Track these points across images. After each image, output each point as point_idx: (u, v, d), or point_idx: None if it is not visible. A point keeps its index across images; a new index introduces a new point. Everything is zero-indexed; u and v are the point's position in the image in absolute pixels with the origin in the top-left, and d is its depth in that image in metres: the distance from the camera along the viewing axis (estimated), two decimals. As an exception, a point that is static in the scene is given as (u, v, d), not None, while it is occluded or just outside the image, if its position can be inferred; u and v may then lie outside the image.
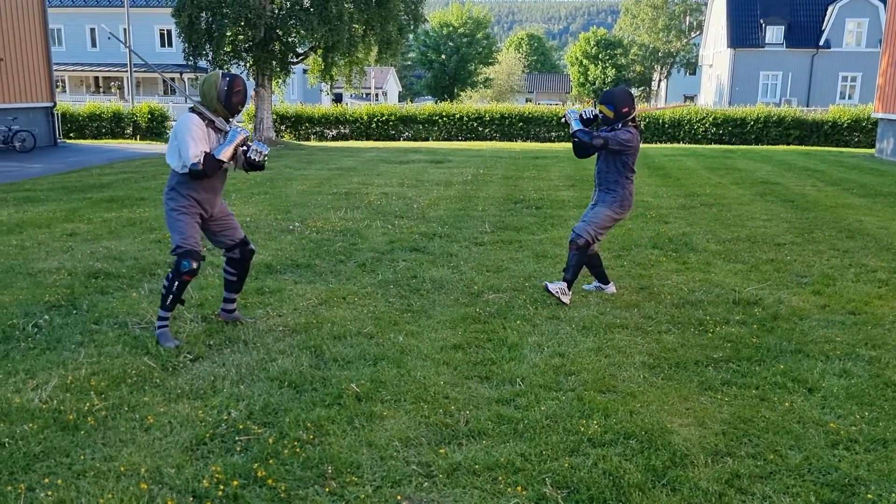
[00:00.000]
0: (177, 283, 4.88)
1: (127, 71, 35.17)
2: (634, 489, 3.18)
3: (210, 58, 22.56)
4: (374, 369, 4.47)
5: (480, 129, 28.09)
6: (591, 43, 64.54)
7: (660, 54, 62.96)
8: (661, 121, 27.71)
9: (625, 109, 5.78)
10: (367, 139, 27.68)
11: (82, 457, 3.40)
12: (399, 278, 6.64)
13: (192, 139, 4.73)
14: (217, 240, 5.24)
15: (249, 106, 26.80)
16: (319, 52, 23.59)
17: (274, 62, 23.59)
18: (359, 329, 5.22)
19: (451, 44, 61.83)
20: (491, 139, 27.79)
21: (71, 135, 26.07)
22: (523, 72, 71.59)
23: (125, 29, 35.41)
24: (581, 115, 6.03)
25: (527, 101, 63.05)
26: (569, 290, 5.96)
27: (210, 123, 4.87)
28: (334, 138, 27.95)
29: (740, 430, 3.75)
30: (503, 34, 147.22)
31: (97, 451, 3.45)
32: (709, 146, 25.93)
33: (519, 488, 3.18)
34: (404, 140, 27.69)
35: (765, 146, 26.19)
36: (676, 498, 3.13)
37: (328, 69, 24.17)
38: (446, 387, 4.24)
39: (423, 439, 3.62)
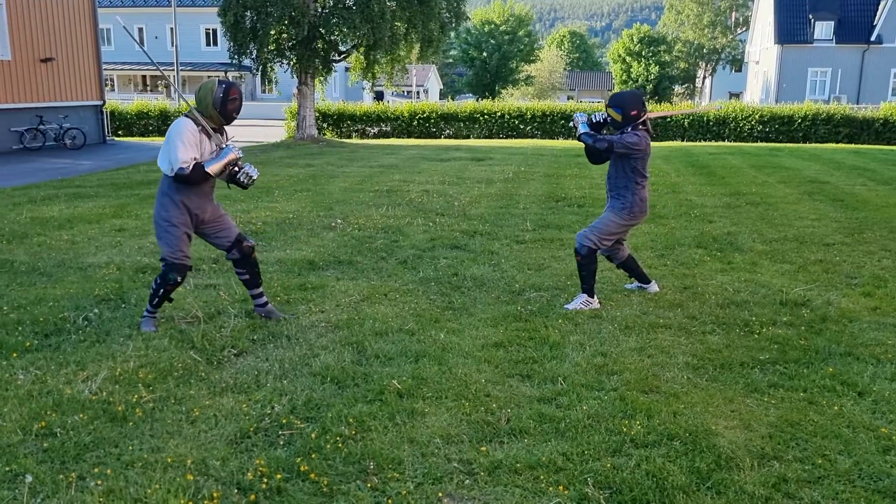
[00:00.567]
0: (162, 290, 5.08)
1: (173, 69, 35.79)
2: (678, 491, 3.14)
3: (254, 56, 22.84)
4: (416, 366, 4.48)
5: (521, 126, 27.96)
6: (634, 40, 63.78)
7: (704, 51, 61.99)
8: (705, 118, 27.30)
9: (633, 112, 5.60)
10: (409, 137, 27.76)
11: (130, 447, 3.47)
12: (440, 276, 6.65)
13: (184, 143, 4.82)
14: (214, 242, 5.33)
15: (293, 104, 27.08)
16: (362, 49, 23.72)
17: (317, 60, 23.78)
18: (400, 326, 5.24)
19: (492, 41, 61.69)
20: (532, 137, 27.65)
21: (119, 132, 26.63)
22: (565, 69, 71.16)
23: (172, 29, 36.03)
24: (590, 119, 5.87)
25: (568, 98, 62.70)
26: (592, 296, 5.82)
27: (203, 130, 4.94)
28: (376, 136, 28.09)
29: (787, 433, 3.68)
30: (545, 31, 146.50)
31: (145, 443, 3.52)
32: (755, 144, 25.46)
33: (561, 488, 3.17)
34: (445, 138, 27.70)
35: (813, 144, 25.61)
36: (721, 501, 3.09)
37: (370, 67, 24.30)
38: (487, 385, 4.23)
39: (464, 437, 3.62)
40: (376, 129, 28.23)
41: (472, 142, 25.92)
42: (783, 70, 44.37)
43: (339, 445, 3.49)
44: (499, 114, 28.04)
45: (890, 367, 4.54)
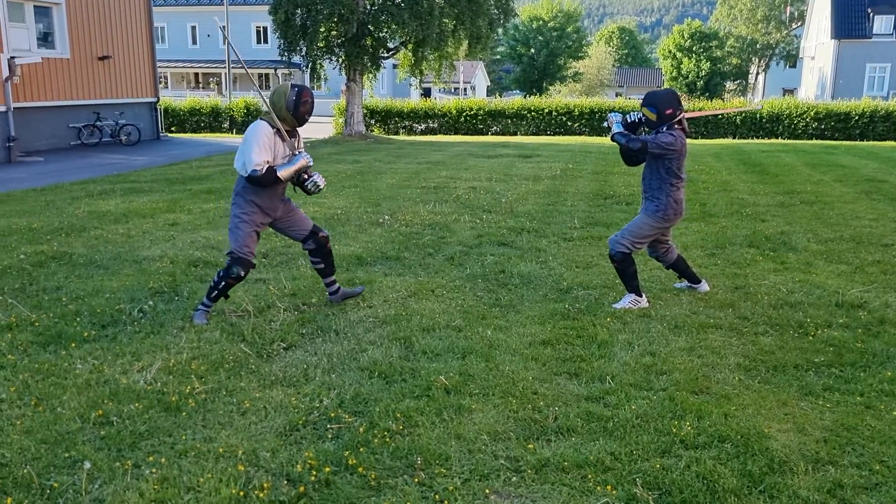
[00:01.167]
0: (223, 283, 5.20)
1: (225, 67, 36.38)
2: (730, 494, 3.09)
3: (304, 53, 23.09)
4: (463, 362, 4.49)
5: (569, 123, 27.75)
6: (685, 35, 62.80)
7: (758, 46, 60.72)
8: (758, 115, 26.75)
9: (668, 111, 5.45)
10: (456, 133, 27.77)
11: (184, 437, 3.54)
12: (487, 272, 6.65)
13: (259, 146, 4.98)
14: (290, 235, 5.52)
15: (341, 100, 27.31)
16: (410, 46, 23.80)
17: (365, 57, 23.94)
18: (447, 322, 5.25)
19: (540, 38, 61.33)
20: (580, 134, 27.42)
21: (172, 129, 27.18)
22: (613, 66, 70.35)
23: (224, 27, 36.65)
24: (625, 118, 5.74)
25: (617, 95, 61.99)
26: (640, 295, 5.73)
27: (277, 132, 5.10)
28: (423, 132, 28.17)
29: (843, 438, 3.59)
30: (593, 28, 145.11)
31: (197, 433, 3.60)
32: (809, 142, 24.86)
33: (609, 487, 3.14)
34: (492, 134, 27.64)
35: (870, 142, 24.90)
36: (774, 505, 3.03)
37: (418, 64, 24.36)
38: (535, 382, 4.22)
39: (511, 434, 3.61)
40: (423, 126, 28.31)
41: (519, 139, 25.82)
42: (840, 66, 43.20)
43: (387, 440, 3.51)
44: (546, 110, 27.87)
45: (952, 372, 4.40)
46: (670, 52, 64.06)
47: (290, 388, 4.13)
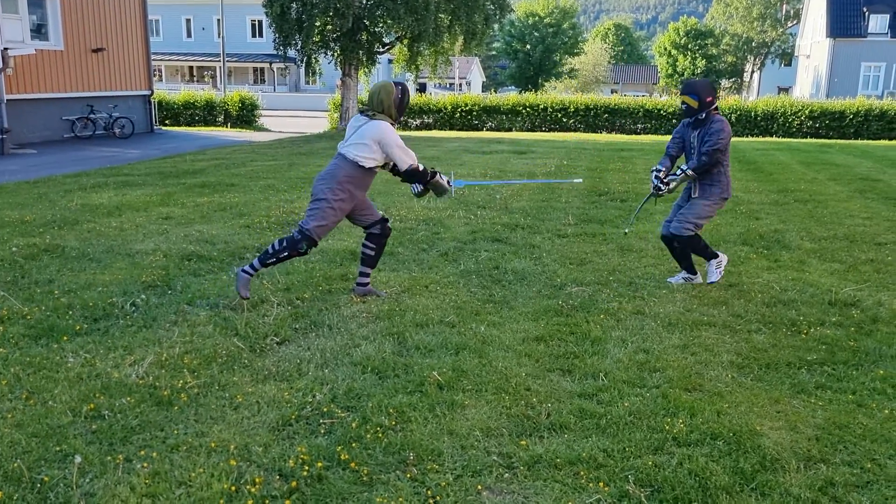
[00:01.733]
0: (286, 254, 5.36)
1: (219, 60, 36.24)
2: (721, 492, 3.09)
3: (299, 48, 23.03)
4: (456, 358, 4.48)
5: (564, 119, 27.75)
6: (681, 33, 62.91)
7: (753, 44, 60.84)
8: (752, 113, 26.79)
9: (709, 99, 5.84)
10: (451, 129, 27.74)
11: (175, 431, 3.53)
12: (481, 269, 6.64)
13: (401, 148, 5.36)
14: (358, 220, 5.70)
15: (336, 95, 27.25)
16: (405, 41, 23.78)
17: (361, 52, 23.89)
18: (441, 318, 5.24)
19: (536, 34, 61.31)
20: (575, 130, 27.43)
21: (166, 122, 27.08)
22: (609, 62, 70.38)
23: (219, 20, 36.48)
24: (661, 177, 6.13)
25: (612, 92, 62.02)
26: (717, 256, 6.21)
27: None
28: (418, 128, 28.13)
29: (835, 436, 3.60)
30: (589, 24, 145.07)
31: (189, 427, 3.58)
32: (804, 140, 24.92)
33: (601, 484, 3.14)
34: (487, 130, 27.62)
35: (865, 141, 24.98)
36: (766, 503, 3.03)
37: (414, 59, 24.35)
38: (528, 378, 4.22)
39: (504, 430, 3.61)
40: (418, 121, 28.27)
41: (514, 135, 25.82)
42: (835, 64, 43.32)
43: (380, 435, 3.51)
44: (541, 107, 27.86)
45: (943, 371, 4.42)
46: (666, 49, 64.17)
47: (283, 383, 4.12)
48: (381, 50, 24.77)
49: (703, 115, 5.84)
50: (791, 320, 5.33)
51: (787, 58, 59.44)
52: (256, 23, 47.96)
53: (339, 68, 24.72)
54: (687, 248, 6.10)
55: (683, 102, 5.88)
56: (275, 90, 48.45)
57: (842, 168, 15.53)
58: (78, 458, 3.22)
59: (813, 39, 47.55)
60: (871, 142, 24.58)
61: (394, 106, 5.35)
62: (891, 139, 25.45)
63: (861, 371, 4.42)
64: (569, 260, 7.04)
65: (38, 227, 8.06)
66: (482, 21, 23.80)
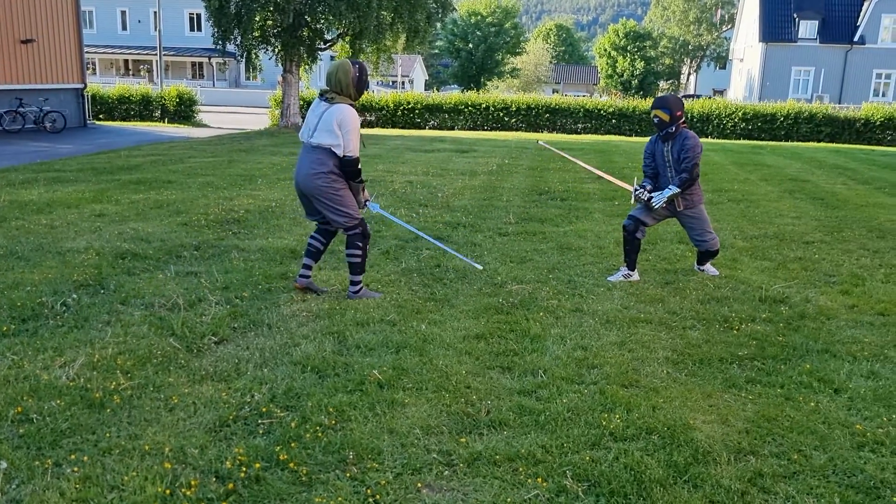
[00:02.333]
0: (363, 251, 5.57)
1: (156, 54, 35.42)
2: (656, 484, 3.16)
3: (238, 42, 22.65)
4: (397, 357, 4.48)
5: (507, 119, 27.96)
6: (620, 35, 63.93)
7: (690, 47, 62.32)
8: (689, 115, 27.43)
9: (678, 113, 6.11)
10: (393, 127, 27.67)
11: (108, 434, 3.44)
12: (422, 267, 6.65)
13: (357, 134, 5.36)
14: (315, 213, 5.65)
15: (277, 92, 26.90)
16: (347, 38, 23.60)
17: (302, 48, 23.63)
18: (382, 316, 5.23)
19: (478, 33, 61.55)
20: (517, 130, 27.66)
21: (100, 116, 26.34)
22: (551, 62, 71.15)
23: (155, 13, 35.64)
24: (643, 190, 6.34)
25: (554, 92, 62.73)
26: (627, 275, 6.43)
27: None
28: (360, 126, 27.96)
29: (764, 428, 3.72)
30: (531, 24, 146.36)
31: (122, 430, 3.50)
32: (737, 141, 25.63)
33: (539, 480, 3.18)
34: (430, 129, 27.64)
35: (795, 143, 25.83)
36: (698, 495, 3.11)
37: (355, 56, 24.17)
38: (468, 376, 4.24)
39: (444, 428, 3.62)
40: (360, 119, 28.09)
41: (456, 133, 25.89)
42: (767, 68, 44.66)
43: (319, 435, 3.48)
44: (484, 106, 28.01)
45: (866, 365, 4.60)
46: (606, 50, 65.15)
47: (221, 383, 4.05)
48: (323, 46, 24.54)
49: (674, 128, 6.14)
50: (724, 317, 5.48)
51: (722, 61, 61.06)
52: (195, 16, 47.01)
53: (279, 64, 24.40)
54: (630, 247, 6.36)
55: (655, 116, 6.15)
56: (214, 85, 47.57)
57: (773, 169, 16.03)
58: (3, 464, 3.11)
59: (746, 44, 48.93)
60: (800, 144, 25.43)
61: (352, 85, 5.32)
62: (819, 141, 26.38)
63: (789, 365, 4.57)
64: (509, 258, 7.10)
65: (-37, 225, 7.75)
66: (424, 19, 23.78)
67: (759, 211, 10.26)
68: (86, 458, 3.22)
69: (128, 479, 3.07)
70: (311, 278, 5.79)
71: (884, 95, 42.41)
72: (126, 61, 49.68)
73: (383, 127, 27.71)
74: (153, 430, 3.49)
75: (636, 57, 62.52)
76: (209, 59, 45.17)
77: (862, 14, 43.33)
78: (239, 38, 22.49)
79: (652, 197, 6.26)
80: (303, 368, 4.27)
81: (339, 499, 3.01)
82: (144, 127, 24.60)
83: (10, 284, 5.67)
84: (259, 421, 3.62)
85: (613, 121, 27.63)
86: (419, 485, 3.13)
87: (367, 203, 5.75)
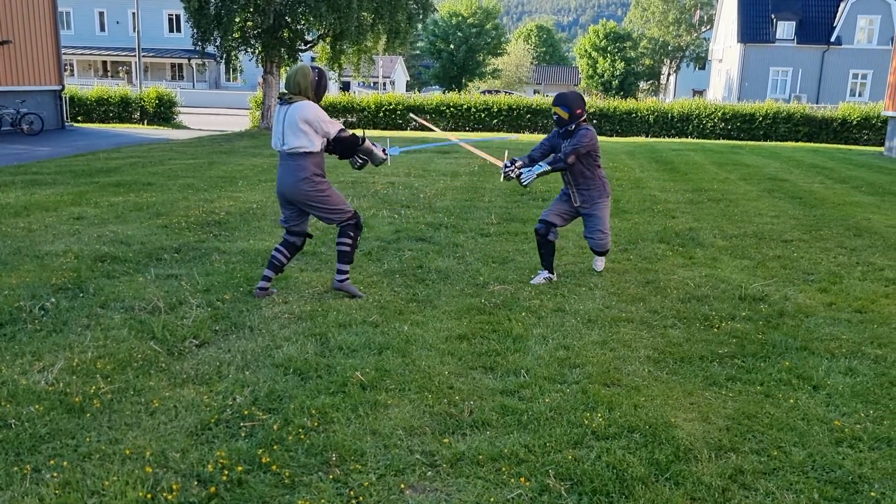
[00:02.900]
0: (357, 242, 5.72)
1: (135, 55, 35.13)
2: (638, 482, 3.18)
3: (218, 44, 22.53)
4: (379, 358, 4.47)
5: (488, 119, 28.01)
6: (601, 35, 64.25)
7: (669, 48, 62.74)
8: (669, 115, 27.63)
9: (578, 111, 6.08)
10: (375, 128, 27.64)
11: (88, 439, 3.41)
12: (405, 268, 6.64)
13: (329, 119, 5.33)
14: (296, 216, 5.69)
15: (258, 93, 26.78)
16: (328, 39, 23.54)
17: (282, 49, 23.54)
18: (364, 318, 5.22)
19: (459, 34, 61.67)
20: (498, 130, 27.71)
21: (78, 118, 26.09)
22: (532, 63, 71.36)
23: (134, 14, 35.36)
24: (529, 166, 6.23)
25: (535, 92, 62.91)
26: (549, 279, 6.39)
27: None
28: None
29: (744, 426, 3.75)
30: (512, 25, 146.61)
31: (102, 434, 3.47)
32: (717, 141, 25.84)
33: (522, 479, 3.19)
34: (411, 129, 27.62)
35: (773, 142, 26.08)
36: (679, 492, 3.13)
37: (336, 57, 24.13)
38: (451, 377, 4.24)
39: (427, 429, 3.62)
40: (342, 120, 28.04)
41: (438, 134, 25.87)
42: (745, 69, 45.06)
43: (302, 437, 3.47)
44: (465, 107, 28.05)
45: (844, 362, 4.65)
46: (586, 51, 65.44)
47: (203, 387, 4.03)
48: (304, 48, 24.46)
49: (573, 125, 6.11)
50: (704, 315, 5.52)
51: (702, 62, 61.51)
52: (174, 17, 46.70)
53: (260, 66, 24.29)
54: (545, 250, 6.34)
55: (555, 113, 6.13)
56: (194, 87, 47.28)
57: (752, 168, 16.17)
58: (-18, 470, 3.07)
59: (725, 44, 49.33)
60: (779, 143, 25.69)
61: (311, 88, 5.28)
62: (797, 141, 26.66)
63: (769, 363, 4.61)
64: (491, 259, 7.11)
65: (-61, 228, 7.65)
66: (405, 20, 23.77)
67: (738, 210, 10.34)
68: (65, 463, 3.19)
69: (108, 483, 3.04)
70: (348, 281, 5.83)
71: (860, 95, 42.89)
72: (104, 63, 49.25)
73: (365, 128, 27.64)
74: (134, 435, 3.47)
75: (616, 58, 62.86)
76: (189, 61, 44.88)
77: (838, 15, 43.84)
78: (219, 39, 22.37)
79: (521, 173, 6.16)
80: (285, 370, 4.25)
81: (322, 501, 3.00)
82: (123, 129, 24.40)
83: (-13, 288, 5.60)
84: (241, 424, 3.60)
85: (594, 121, 27.74)
86: (402, 486, 3.13)
87: (386, 152, 5.81)
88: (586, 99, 30.40)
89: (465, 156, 17.25)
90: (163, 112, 26.95)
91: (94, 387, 3.93)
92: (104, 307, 5.29)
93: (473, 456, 3.36)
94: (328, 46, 23.93)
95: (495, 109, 27.96)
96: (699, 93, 57.87)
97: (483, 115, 27.98)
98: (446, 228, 8.49)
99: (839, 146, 25.45)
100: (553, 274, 6.43)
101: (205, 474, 3.14)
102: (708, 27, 60.36)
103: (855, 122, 26.84)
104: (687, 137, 27.20)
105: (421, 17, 25.72)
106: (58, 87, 22.68)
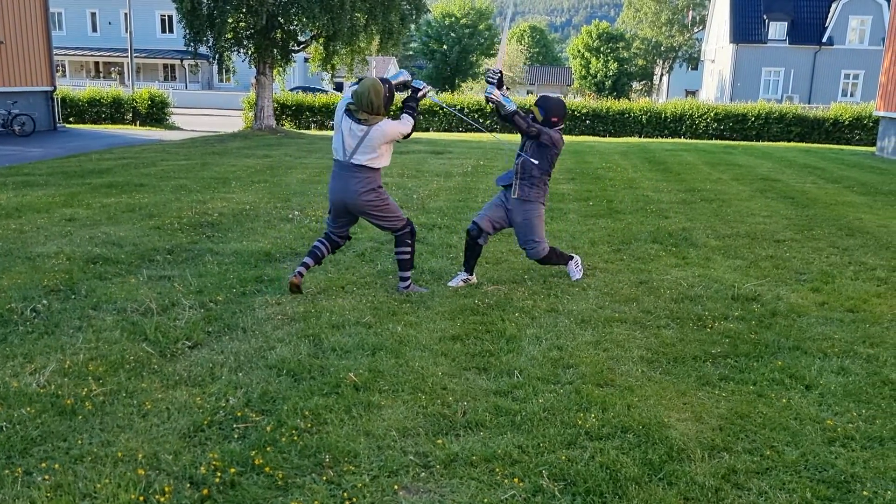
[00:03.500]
0: (411, 248, 5.83)
1: (127, 56, 35.01)
2: (631, 482, 3.18)
3: (211, 44, 22.47)
4: (373, 359, 4.47)
5: (481, 120, 28.01)
6: (593, 36, 64.34)
7: (662, 48, 62.84)
8: (662, 115, 27.70)
9: (553, 119, 6.04)
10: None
11: (80, 442, 3.40)
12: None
13: (400, 124, 5.55)
14: (346, 223, 5.85)
15: (251, 94, 26.72)
16: (321, 40, 23.50)
17: (275, 50, 23.50)
18: (357, 319, 5.21)
19: (452, 34, 61.68)
20: (492, 131, 27.70)
21: (70, 119, 25.98)
22: (525, 64, 71.39)
23: (126, 14, 35.26)
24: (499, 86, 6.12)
25: (528, 93, 62.95)
26: (576, 263, 6.49)
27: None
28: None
29: (737, 425, 3.76)
30: (505, 26, 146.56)
31: (94, 437, 3.45)
32: (710, 141, 25.90)
33: (516, 480, 3.19)
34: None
35: (765, 142, 26.16)
36: (673, 492, 3.14)
37: (329, 58, 24.08)
38: (444, 378, 4.24)
39: (420, 430, 3.62)
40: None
41: (431, 135, 25.90)
42: (738, 69, 45.19)
43: (295, 438, 3.46)
44: (458, 107, 28.04)
45: (836, 361, 4.67)
46: (579, 51, 65.51)
47: (195, 388, 4.01)
48: (297, 48, 24.42)
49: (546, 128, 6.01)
50: (697, 315, 5.53)
51: (694, 62, 61.63)
52: (166, 17, 46.56)
53: (253, 66, 24.23)
54: (548, 262, 6.30)
55: (530, 111, 6.10)
56: (186, 87, 47.15)
57: (744, 168, 16.22)
58: (-27, 473, 3.06)
59: (717, 45, 49.46)
60: (771, 143, 25.77)
61: (384, 105, 5.42)
62: (789, 141, 26.74)
63: (761, 363, 4.62)
64: (485, 259, 7.11)
65: (-71, 230, 7.61)
66: (398, 21, 23.73)
67: (731, 210, 10.37)
68: (57, 465, 3.17)
69: (100, 486, 3.03)
70: (411, 283, 5.97)
71: (852, 95, 43.09)
72: (97, 63, 49.08)
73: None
74: (126, 437, 3.45)
75: (609, 58, 62.95)
76: (181, 61, 44.73)
77: (830, 16, 44.01)
78: (211, 39, 22.30)
79: (498, 97, 5.97)
80: (278, 372, 4.24)
81: (316, 503, 2.99)
82: (116, 130, 24.32)
83: (-22, 290, 5.58)
84: (234, 425, 3.59)
85: (588, 121, 27.81)
86: (396, 487, 3.13)
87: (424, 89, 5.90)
88: (580, 100, 30.47)
89: (459, 156, 17.26)
90: (155, 113, 26.86)
91: (86, 389, 3.91)
92: (96, 309, 5.27)
93: (467, 457, 3.35)
94: (321, 47, 23.89)
95: (488, 110, 27.92)
96: (692, 93, 57.99)
97: (476, 116, 27.97)
98: (440, 229, 8.49)
99: (831, 146, 25.55)
100: (473, 276, 6.27)
101: (197, 476, 3.13)
102: (700, 28, 60.49)
103: (847, 123, 26.94)
104: (680, 138, 27.27)
105: (414, 17, 25.69)
106: (49, 88, 22.58)
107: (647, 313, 5.58)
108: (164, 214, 8.87)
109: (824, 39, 44.01)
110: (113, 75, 47.65)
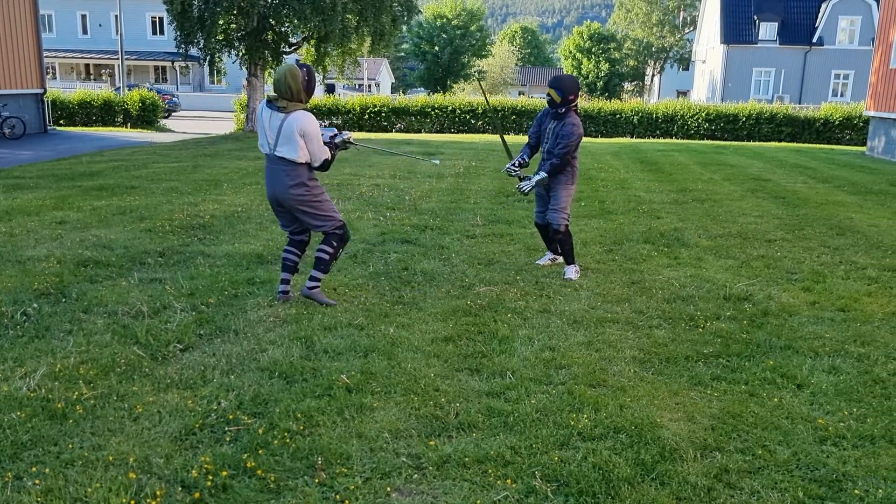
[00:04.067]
0: (340, 251, 5.61)
1: (118, 58, 34.89)
2: (624, 483, 3.18)
3: (202, 46, 22.41)
4: (365, 361, 4.46)
5: (473, 121, 28.04)
6: (585, 37, 64.40)
7: (653, 49, 62.96)
8: (654, 115, 27.77)
9: (571, 97, 6.25)
10: (360, 130, 27.58)
11: (70, 445, 3.38)
12: (390, 270, 6.63)
13: (319, 139, 5.31)
14: (291, 220, 5.60)
15: (242, 95, 26.66)
16: (312, 42, 23.47)
17: (266, 52, 23.45)
18: (349, 320, 5.20)
19: (444, 36, 61.66)
20: (483, 132, 27.74)
21: (61, 122, 25.87)
22: (516, 65, 71.46)
23: (116, 16, 35.14)
24: (518, 165, 6.65)
25: (520, 94, 62.98)
26: (577, 271, 6.61)
27: None
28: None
29: (729, 425, 3.77)
30: (497, 27, 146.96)
31: (85, 440, 3.44)
32: (701, 142, 25.97)
33: (508, 481, 3.19)
34: (397, 132, 27.61)
35: (756, 143, 26.25)
36: (665, 492, 3.14)
37: (321, 59, 24.06)
38: (437, 379, 4.23)
39: (413, 431, 3.61)
40: (327, 123, 27.93)
41: (423, 136, 25.89)
42: (728, 69, 45.35)
43: (287, 441, 3.45)
44: (450, 108, 28.06)
45: (827, 360, 4.69)
46: (571, 52, 65.56)
47: (187, 391, 4.00)
48: (288, 50, 24.37)
49: (563, 109, 6.30)
50: (689, 315, 5.54)
51: (685, 62, 61.77)
52: (157, 19, 46.44)
53: (244, 68, 24.18)
54: (563, 243, 6.55)
55: (548, 94, 6.31)
56: (177, 89, 47.03)
57: (736, 168, 16.27)
58: (-38, 478, 3.04)
59: (708, 45, 49.62)
60: (762, 143, 25.85)
61: (303, 90, 5.23)
62: (780, 141, 26.84)
63: (753, 362, 4.64)
64: (477, 260, 7.11)
65: (-82, 234, 7.57)
66: (390, 22, 23.72)
67: (722, 210, 10.40)
68: (48, 470, 3.16)
69: (91, 490, 3.02)
70: (289, 292, 5.73)
71: (842, 95, 43.29)
72: (87, 66, 48.90)
73: (350, 130, 27.56)
74: (117, 440, 3.44)
75: (601, 59, 63.02)
76: (172, 63, 44.60)
77: (820, 16, 44.21)
78: (202, 41, 22.24)
79: (521, 186, 6.52)
80: (270, 374, 4.23)
81: (308, 505, 2.98)
82: (106, 132, 24.23)
83: (-33, 294, 5.55)
84: (226, 428, 3.58)
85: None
86: (389, 489, 3.12)
87: (349, 141, 5.84)
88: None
89: (451, 157, 17.25)
90: (146, 115, 26.77)
91: (76, 392, 3.89)
92: (87, 312, 5.24)
93: (460, 458, 3.35)
94: (312, 49, 23.86)
95: (480, 111, 27.98)
96: (683, 93, 58.12)
97: (468, 117, 27.99)
98: (432, 230, 8.48)
99: (822, 146, 25.65)
100: (556, 254, 6.84)
101: (189, 480, 3.12)
102: (691, 28, 60.67)
103: (837, 123, 27.06)
104: (671, 138, 27.33)
105: (405, 18, 25.68)
106: (40, 91, 22.48)
107: (639, 313, 5.59)
108: (155, 217, 8.84)
109: (814, 40, 44.22)
110: (104, 77, 47.49)
